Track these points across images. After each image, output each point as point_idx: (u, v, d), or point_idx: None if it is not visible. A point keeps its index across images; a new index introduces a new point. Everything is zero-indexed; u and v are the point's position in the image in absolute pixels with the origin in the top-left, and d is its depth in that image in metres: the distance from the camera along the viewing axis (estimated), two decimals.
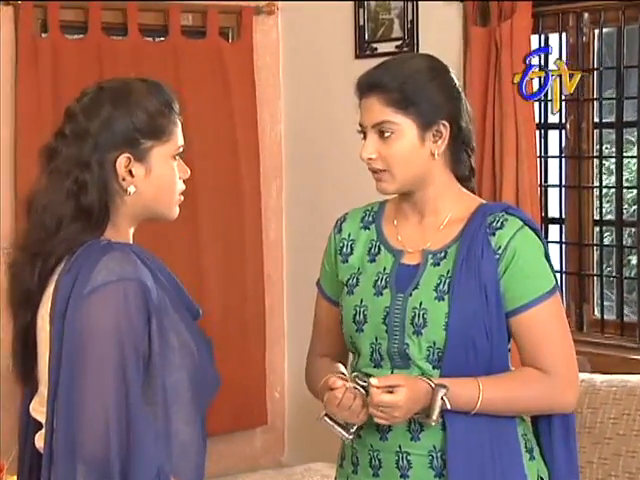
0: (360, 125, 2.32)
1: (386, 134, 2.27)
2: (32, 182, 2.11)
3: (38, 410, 2.09)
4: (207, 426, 2.09)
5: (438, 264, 2.30)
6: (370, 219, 2.43)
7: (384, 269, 2.34)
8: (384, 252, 2.37)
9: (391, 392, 2.17)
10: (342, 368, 2.43)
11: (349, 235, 2.43)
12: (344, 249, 2.43)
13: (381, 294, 2.32)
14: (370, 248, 2.39)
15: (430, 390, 2.20)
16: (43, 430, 2.06)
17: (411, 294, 2.29)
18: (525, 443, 2.32)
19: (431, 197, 2.33)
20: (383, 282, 2.33)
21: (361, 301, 2.34)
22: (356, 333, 2.34)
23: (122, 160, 2.04)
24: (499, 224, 2.28)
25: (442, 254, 2.30)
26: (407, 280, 2.31)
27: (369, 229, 2.42)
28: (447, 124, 2.28)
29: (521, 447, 2.30)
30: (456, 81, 2.35)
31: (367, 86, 2.30)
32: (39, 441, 2.09)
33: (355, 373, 2.30)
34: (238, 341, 4.73)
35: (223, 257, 4.72)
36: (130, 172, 2.05)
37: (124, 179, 2.05)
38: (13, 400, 2.23)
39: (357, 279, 2.37)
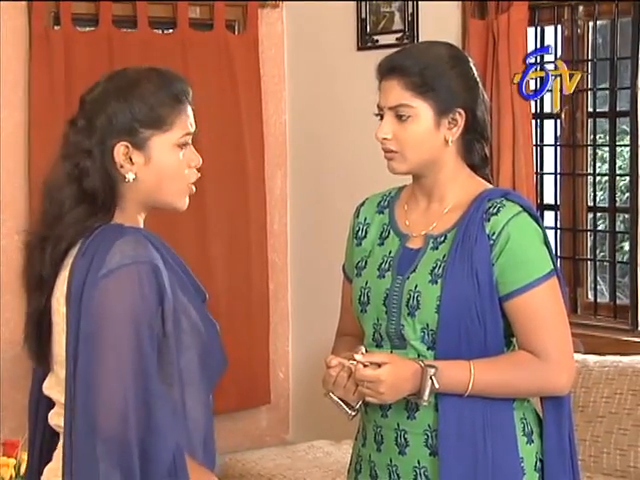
0: (378, 106, 2.33)
1: (403, 117, 2.28)
2: (45, 170, 2.14)
3: (53, 389, 2.11)
4: (214, 405, 2.14)
5: (437, 248, 2.31)
6: (385, 204, 2.45)
7: (389, 252, 2.37)
8: (392, 236, 2.39)
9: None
10: (363, 348, 2.36)
11: (365, 219, 2.46)
12: (359, 233, 2.45)
13: (383, 277, 2.35)
14: (382, 232, 2.42)
15: (420, 370, 2.22)
16: (57, 408, 2.10)
17: (409, 277, 2.31)
18: (523, 427, 2.31)
19: (440, 183, 2.34)
20: (387, 265, 2.36)
21: (366, 283, 2.37)
22: (361, 314, 2.38)
23: (120, 148, 2.06)
24: (495, 210, 2.28)
25: (442, 238, 2.32)
26: (408, 263, 2.33)
27: (383, 213, 2.44)
28: (463, 112, 2.29)
29: (516, 430, 2.30)
30: (475, 71, 2.35)
31: (388, 69, 2.30)
32: (53, 419, 2.12)
33: (361, 351, 2.30)
34: (243, 324, 4.81)
35: (228, 243, 4.80)
36: (130, 160, 2.07)
37: (122, 166, 2.06)
38: (29, 380, 2.28)
39: (366, 262, 2.40)
